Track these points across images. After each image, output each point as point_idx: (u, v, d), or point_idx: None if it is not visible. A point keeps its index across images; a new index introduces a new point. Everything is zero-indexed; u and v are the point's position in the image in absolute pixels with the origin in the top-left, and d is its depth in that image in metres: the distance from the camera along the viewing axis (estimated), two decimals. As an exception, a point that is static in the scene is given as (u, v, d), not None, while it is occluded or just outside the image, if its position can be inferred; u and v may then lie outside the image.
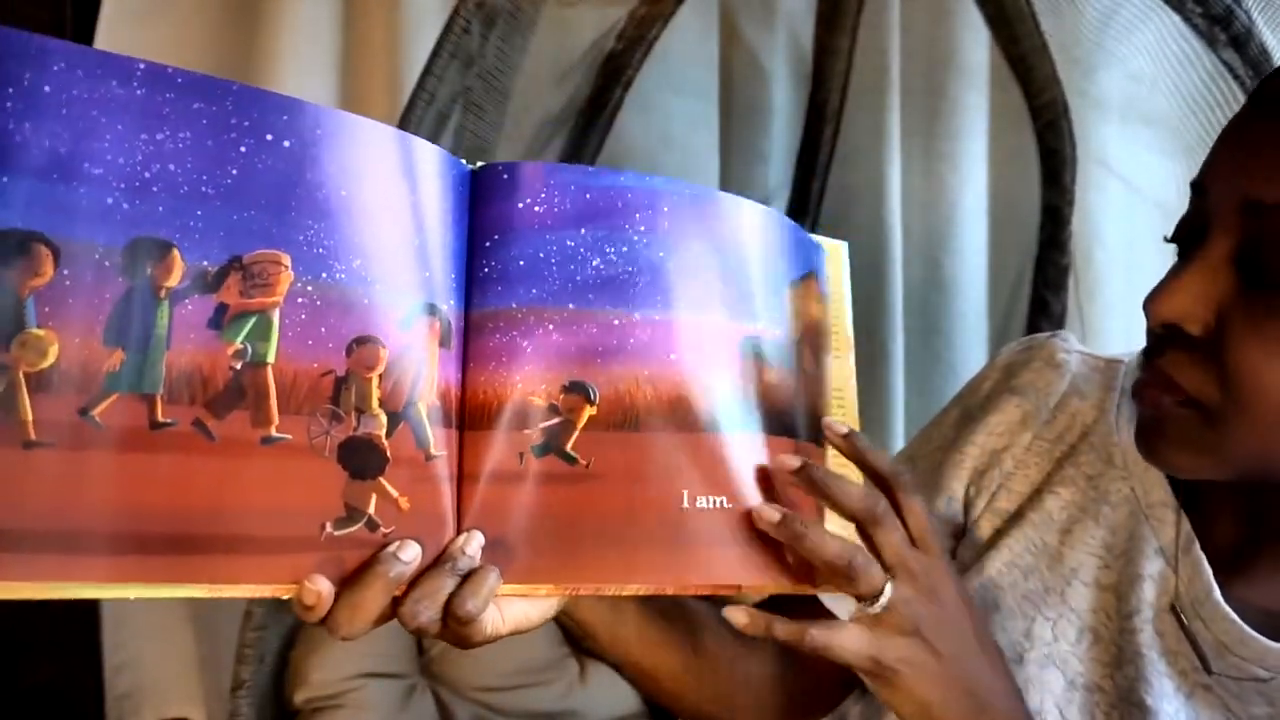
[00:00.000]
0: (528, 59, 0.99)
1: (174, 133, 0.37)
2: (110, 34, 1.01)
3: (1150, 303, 0.46)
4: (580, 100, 1.01)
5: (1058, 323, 1.09)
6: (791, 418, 0.48)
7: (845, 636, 0.44)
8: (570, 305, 0.44)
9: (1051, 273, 1.10)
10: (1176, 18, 0.91)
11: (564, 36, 1.01)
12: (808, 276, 0.51)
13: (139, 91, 0.37)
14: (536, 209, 0.45)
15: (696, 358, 0.45)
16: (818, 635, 0.44)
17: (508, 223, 0.45)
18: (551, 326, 0.44)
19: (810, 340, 0.51)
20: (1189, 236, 0.48)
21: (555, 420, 0.44)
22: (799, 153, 1.17)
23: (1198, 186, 0.47)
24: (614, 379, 0.44)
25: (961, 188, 1.14)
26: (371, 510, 0.41)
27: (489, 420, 0.44)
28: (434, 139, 0.93)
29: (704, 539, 0.44)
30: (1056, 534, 0.56)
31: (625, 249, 0.45)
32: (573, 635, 1.11)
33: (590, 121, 1.02)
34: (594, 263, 0.45)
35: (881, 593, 0.44)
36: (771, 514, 0.44)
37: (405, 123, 0.88)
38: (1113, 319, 1.07)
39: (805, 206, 1.17)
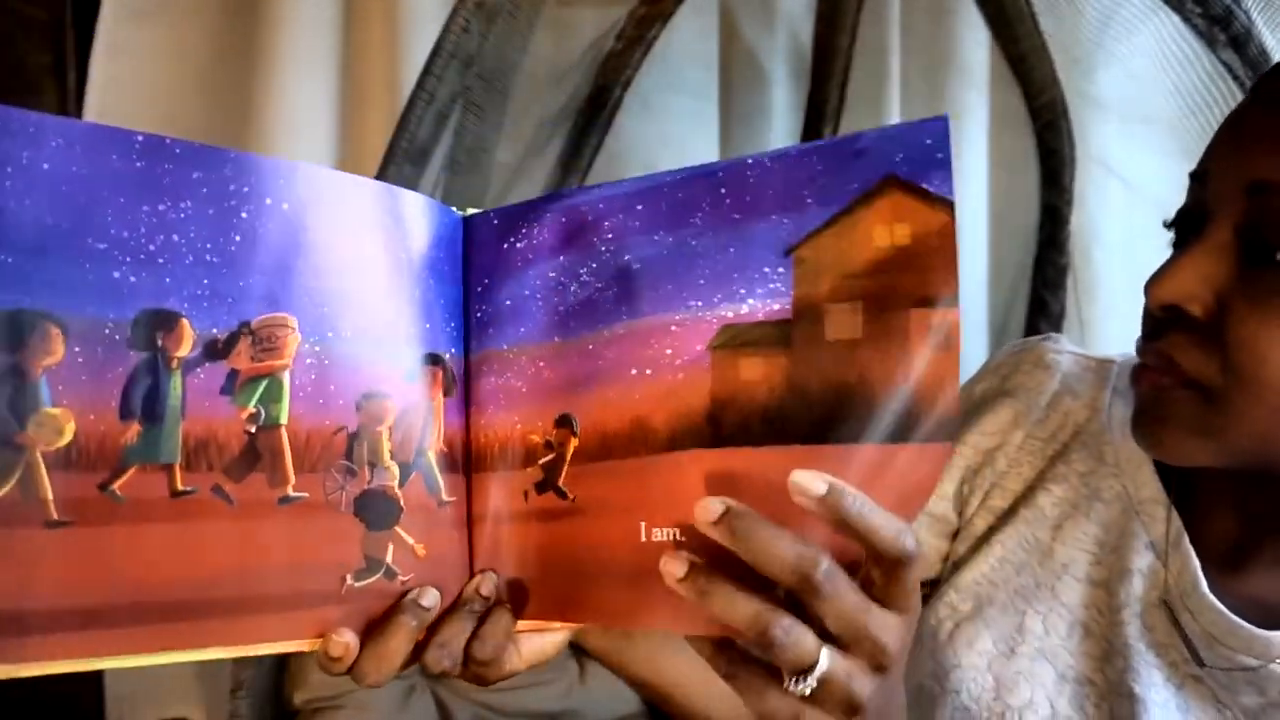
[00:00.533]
0: (527, 59, 0.99)
1: (175, 203, 0.38)
2: (110, 34, 1.01)
3: (1151, 285, 0.46)
4: (580, 100, 1.01)
5: (1056, 322, 1.09)
6: (782, 418, 0.40)
7: (777, 697, 0.37)
8: (555, 338, 0.44)
9: (1050, 272, 1.10)
10: (1176, 18, 0.91)
11: (563, 36, 1.01)
12: (853, 209, 0.39)
13: (138, 164, 0.37)
14: (519, 246, 0.45)
15: (656, 368, 0.42)
16: (743, 682, 0.39)
17: (495, 265, 0.45)
18: (542, 363, 0.44)
19: (845, 298, 0.39)
20: (1187, 225, 0.49)
21: (550, 456, 0.44)
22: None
23: (1198, 175, 0.48)
24: (590, 407, 0.43)
25: (961, 188, 1.13)
26: (389, 559, 0.42)
27: (492, 462, 0.44)
28: (433, 139, 0.93)
29: (660, 577, 0.39)
30: (1048, 530, 0.57)
31: (594, 265, 0.44)
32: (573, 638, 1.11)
33: (590, 121, 1.02)
34: (572, 289, 0.44)
35: (811, 669, 0.36)
36: (675, 567, 0.37)
37: (405, 122, 0.88)
38: (1112, 319, 1.07)
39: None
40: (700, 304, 0.41)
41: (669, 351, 0.42)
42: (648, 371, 0.42)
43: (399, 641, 0.40)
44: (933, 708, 0.55)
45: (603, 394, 0.43)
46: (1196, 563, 0.51)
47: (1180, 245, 0.49)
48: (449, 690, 1.04)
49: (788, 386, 0.40)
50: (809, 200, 0.40)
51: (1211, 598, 0.50)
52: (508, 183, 1.00)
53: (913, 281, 0.38)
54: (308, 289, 0.40)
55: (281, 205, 0.40)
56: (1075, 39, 1.05)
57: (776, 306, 0.40)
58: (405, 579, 0.42)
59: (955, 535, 0.62)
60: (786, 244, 0.40)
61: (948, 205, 0.37)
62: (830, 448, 0.38)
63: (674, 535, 0.40)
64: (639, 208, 0.43)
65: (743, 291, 0.41)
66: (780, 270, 0.40)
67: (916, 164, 0.38)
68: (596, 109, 1.01)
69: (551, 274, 0.44)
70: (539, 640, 0.45)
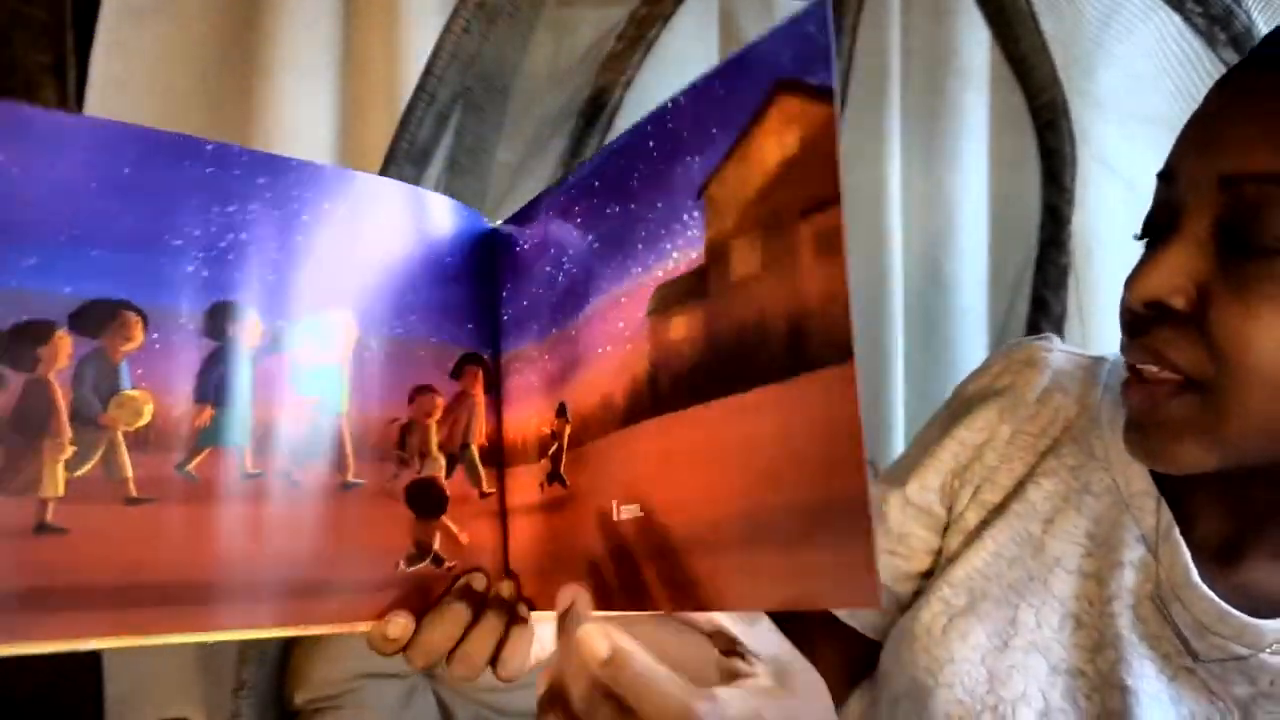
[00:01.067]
0: (527, 59, 0.99)
1: (243, 205, 0.40)
2: (110, 33, 1.01)
3: (1132, 283, 0.47)
4: (581, 100, 1.01)
5: (1058, 322, 1.09)
6: (703, 374, 0.37)
7: None
8: (554, 331, 0.45)
9: (1052, 272, 1.10)
10: (1177, 17, 0.91)
11: (564, 37, 1.01)
12: (749, 129, 0.35)
13: (208, 170, 0.40)
14: (527, 247, 0.47)
15: (615, 343, 0.42)
16: None
17: (513, 270, 0.47)
18: (547, 356, 0.45)
19: (746, 230, 0.36)
20: (1159, 226, 0.49)
21: (554, 447, 0.45)
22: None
23: (1166, 175, 0.49)
24: (577, 392, 0.44)
25: (962, 188, 1.14)
26: (437, 547, 0.44)
27: (518, 456, 0.46)
28: (434, 139, 0.93)
29: (632, 554, 0.39)
30: (1040, 524, 0.58)
31: (571, 251, 0.44)
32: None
33: (590, 122, 1.02)
34: (559, 279, 0.45)
35: None
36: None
37: (406, 123, 0.88)
38: (1113, 318, 1.07)
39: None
40: (640, 270, 0.40)
41: (621, 324, 0.41)
42: (609, 348, 0.42)
43: (452, 625, 0.41)
44: (927, 701, 0.55)
45: (584, 377, 0.43)
46: (1187, 554, 0.51)
47: (1153, 246, 0.49)
48: (450, 690, 1.04)
49: (705, 339, 0.37)
50: (714, 131, 0.37)
51: (1203, 587, 0.50)
52: (509, 182, 1.00)
53: (799, 190, 0.34)
54: (363, 287, 0.43)
55: (340, 209, 0.42)
56: (1076, 38, 1.05)
57: (694, 255, 0.38)
58: (451, 565, 0.44)
59: (945, 530, 0.63)
60: (699, 184, 0.37)
61: (827, 95, 0.33)
62: (738, 399, 0.36)
63: (635, 512, 0.40)
64: (597, 184, 0.43)
65: (668, 246, 0.39)
66: (695, 214, 0.38)
67: (801, 59, 0.34)
68: (597, 109, 1.01)
69: (548, 269, 0.45)
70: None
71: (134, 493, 0.37)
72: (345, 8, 1.07)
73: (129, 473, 0.37)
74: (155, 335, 0.38)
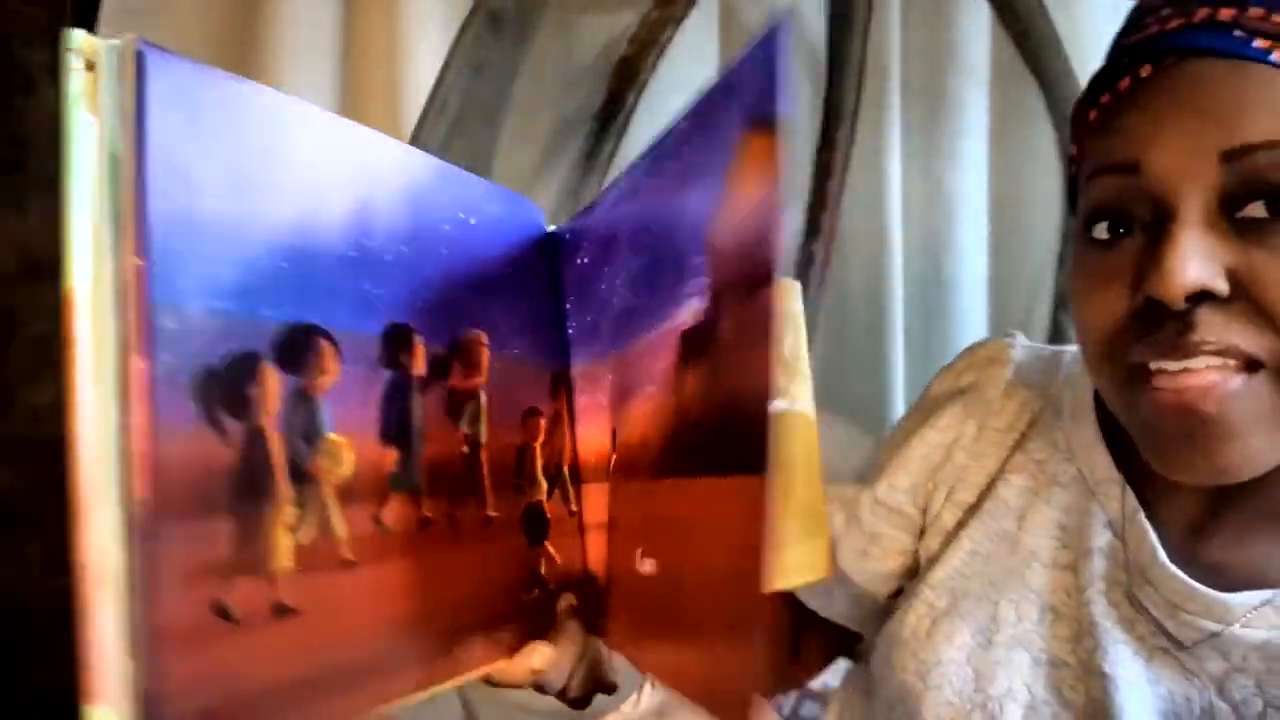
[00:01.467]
0: (535, 63, 0.98)
1: (393, 212, 0.35)
2: (110, 33, 0.99)
3: (1164, 281, 0.43)
4: (594, 105, 1.01)
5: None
6: (708, 441, 0.33)
7: None
8: (613, 351, 0.43)
9: (1073, 269, 1.09)
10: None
11: (574, 41, 1.00)
12: (732, 168, 0.31)
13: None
14: (586, 261, 0.44)
15: (653, 384, 0.39)
16: None
17: (573, 284, 0.44)
18: (611, 377, 0.43)
19: (733, 283, 0.32)
20: (1132, 217, 0.46)
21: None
22: (815, 153, 1.16)
23: (1125, 169, 0.46)
24: (625, 421, 0.42)
25: (962, 186, 1.14)
26: (543, 571, 0.42)
27: (589, 474, 0.44)
28: (445, 148, 0.92)
29: (649, 610, 0.38)
30: (1014, 520, 0.58)
31: (623, 273, 0.41)
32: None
33: (604, 126, 1.01)
34: (614, 300, 0.42)
35: None
36: None
37: (418, 134, 0.88)
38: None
39: (822, 207, 1.16)
40: (675, 309, 0.36)
41: (660, 366, 0.37)
42: (651, 388, 0.39)
43: (575, 644, 0.41)
44: (919, 705, 0.56)
45: (630, 411, 0.41)
46: (1154, 535, 0.52)
47: (1117, 241, 0.47)
48: (474, 689, 1.05)
49: (705, 404, 0.34)
50: (713, 162, 0.32)
51: (1171, 566, 0.51)
52: (523, 188, 0.99)
53: (758, 252, 0.30)
54: (492, 306, 0.38)
55: (470, 220, 0.38)
56: (1083, 33, 1.06)
57: (702, 305, 0.34)
58: (552, 589, 0.42)
59: (923, 532, 0.63)
60: (705, 222, 0.33)
61: (774, 124, 0.29)
62: (718, 480, 0.32)
63: (652, 568, 0.38)
64: (645, 197, 0.40)
65: (686, 290, 0.35)
66: (701, 258, 0.34)
67: (760, 89, 0.30)
68: (611, 113, 1.01)
69: (604, 286, 0.43)
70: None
71: (348, 555, 0.32)
72: (345, 7, 1.06)
73: (343, 532, 0.31)
74: (347, 366, 0.32)
